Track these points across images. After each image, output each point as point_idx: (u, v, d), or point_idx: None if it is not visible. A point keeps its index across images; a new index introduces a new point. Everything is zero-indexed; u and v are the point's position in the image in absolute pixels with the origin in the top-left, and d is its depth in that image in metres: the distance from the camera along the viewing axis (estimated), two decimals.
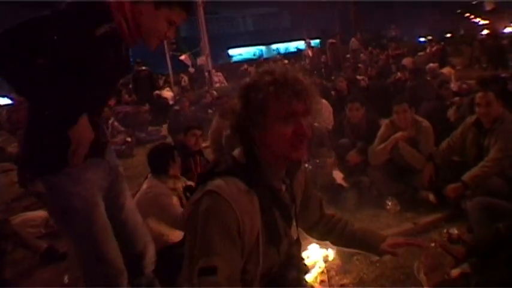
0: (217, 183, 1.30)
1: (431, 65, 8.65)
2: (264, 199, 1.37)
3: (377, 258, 3.13)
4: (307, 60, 13.67)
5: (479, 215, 2.93)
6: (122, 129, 8.36)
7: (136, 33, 1.75)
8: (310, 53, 13.78)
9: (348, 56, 14.04)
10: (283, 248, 1.47)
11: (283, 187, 1.48)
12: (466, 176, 3.51)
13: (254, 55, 36.27)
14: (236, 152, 1.44)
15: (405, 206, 3.92)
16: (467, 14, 34.08)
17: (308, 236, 1.93)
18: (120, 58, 1.84)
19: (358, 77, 8.98)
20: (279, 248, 1.43)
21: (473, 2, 33.69)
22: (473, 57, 14.19)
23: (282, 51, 33.69)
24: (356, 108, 4.73)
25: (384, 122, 4.38)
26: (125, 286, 1.93)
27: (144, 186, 3.25)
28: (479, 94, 3.63)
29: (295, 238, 1.57)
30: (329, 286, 2.86)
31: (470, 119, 3.89)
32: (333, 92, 7.47)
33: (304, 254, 3.09)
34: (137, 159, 7.28)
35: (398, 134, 4.12)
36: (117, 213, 2.01)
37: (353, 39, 14.28)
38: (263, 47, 38.95)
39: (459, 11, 34.28)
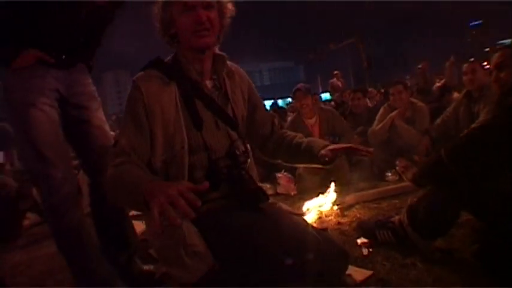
0: (137, 75, 1.63)
1: (437, 84, 9.13)
2: (183, 88, 1.63)
3: (375, 205, 3.32)
4: (336, 94, 13.67)
5: None
6: None
7: None
8: (340, 84, 13.90)
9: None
10: (211, 135, 1.66)
11: (209, 83, 1.73)
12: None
13: (271, 108, 36.96)
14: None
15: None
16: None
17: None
18: None
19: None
20: (201, 132, 1.63)
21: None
22: None
23: None
24: (358, 97, 5.06)
25: (383, 106, 4.64)
26: (67, 195, 1.92)
27: None
28: (466, 64, 3.90)
29: (236, 137, 1.73)
30: (326, 223, 3.02)
31: (461, 93, 4.13)
32: None
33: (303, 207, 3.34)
34: None
35: (394, 112, 4.37)
36: (78, 126, 2.11)
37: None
38: (279, 100, 39.73)
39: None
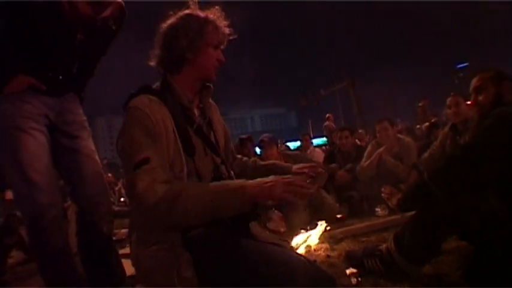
0: (132, 101, 1.61)
1: (426, 124, 9.34)
2: (175, 112, 1.65)
3: (364, 239, 3.31)
4: (328, 134, 13.71)
5: None
6: None
7: None
8: (334, 126, 13.92)
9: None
10: (201, 161, 1.70)
11: (197, 111, 1.80)
12: None
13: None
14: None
15: (393, 211, 4.07)
16: None
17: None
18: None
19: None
20: (193, 158, 1.67)
21: None
22: None
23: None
24: (345, 136, 5.13)
25: (371, 142, 4.72)
26: (53, 219, 1.94)
27: None
28: (449, 98, 4.00)
29: (220, 161, 1.80)
30: (315, 256, 2.99)
31: (447, 127, 4.22)
32: None
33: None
34: None
35: (382, 148, 4.44)
36: (68, 154, 2.14)
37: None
38: None
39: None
